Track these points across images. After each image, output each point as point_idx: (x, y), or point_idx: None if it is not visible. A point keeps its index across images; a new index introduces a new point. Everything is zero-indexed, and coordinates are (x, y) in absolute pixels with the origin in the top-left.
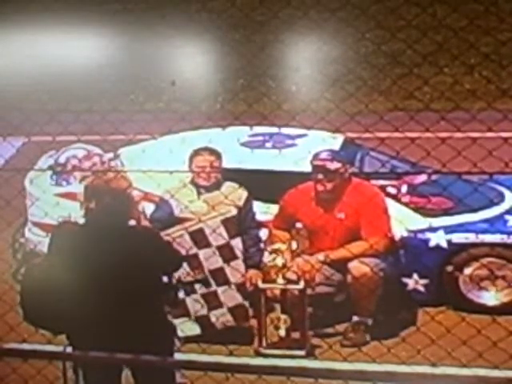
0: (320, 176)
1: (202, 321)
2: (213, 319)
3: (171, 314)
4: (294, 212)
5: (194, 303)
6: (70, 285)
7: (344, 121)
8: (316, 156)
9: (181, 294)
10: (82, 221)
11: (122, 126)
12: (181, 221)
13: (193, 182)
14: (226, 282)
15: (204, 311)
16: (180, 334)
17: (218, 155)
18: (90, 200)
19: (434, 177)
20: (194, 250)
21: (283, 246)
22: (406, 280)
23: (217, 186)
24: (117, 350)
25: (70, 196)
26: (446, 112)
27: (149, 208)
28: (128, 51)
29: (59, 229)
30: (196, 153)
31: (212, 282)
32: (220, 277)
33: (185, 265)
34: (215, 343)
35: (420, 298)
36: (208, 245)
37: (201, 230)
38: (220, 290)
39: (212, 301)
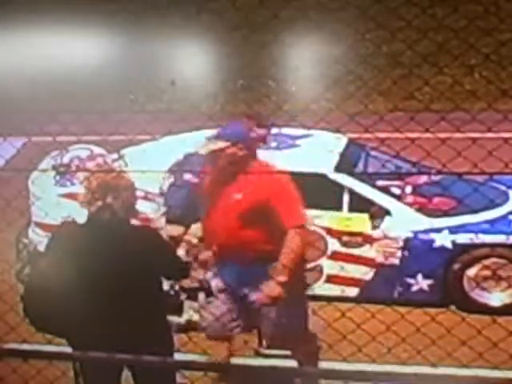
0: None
1: None
2: None
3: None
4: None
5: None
6: (78, 287)
7: (344, 121)
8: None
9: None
10: (88, 219)
11: (123, 126)
12: None
13: None
14: None
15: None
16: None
17: None
18: (106, 195)
19: (437, 178)
20: None
21: None
22: (410, 280)
23: None
24: (118, 351)
25: (73, 196)
26: (446, 112)
27: (149, 208)
28: (128, 51)
29: (62, 229)
30: None
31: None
32: None
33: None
34: None
35: (424, 299)
36: None
37: None
38: None
39: None
